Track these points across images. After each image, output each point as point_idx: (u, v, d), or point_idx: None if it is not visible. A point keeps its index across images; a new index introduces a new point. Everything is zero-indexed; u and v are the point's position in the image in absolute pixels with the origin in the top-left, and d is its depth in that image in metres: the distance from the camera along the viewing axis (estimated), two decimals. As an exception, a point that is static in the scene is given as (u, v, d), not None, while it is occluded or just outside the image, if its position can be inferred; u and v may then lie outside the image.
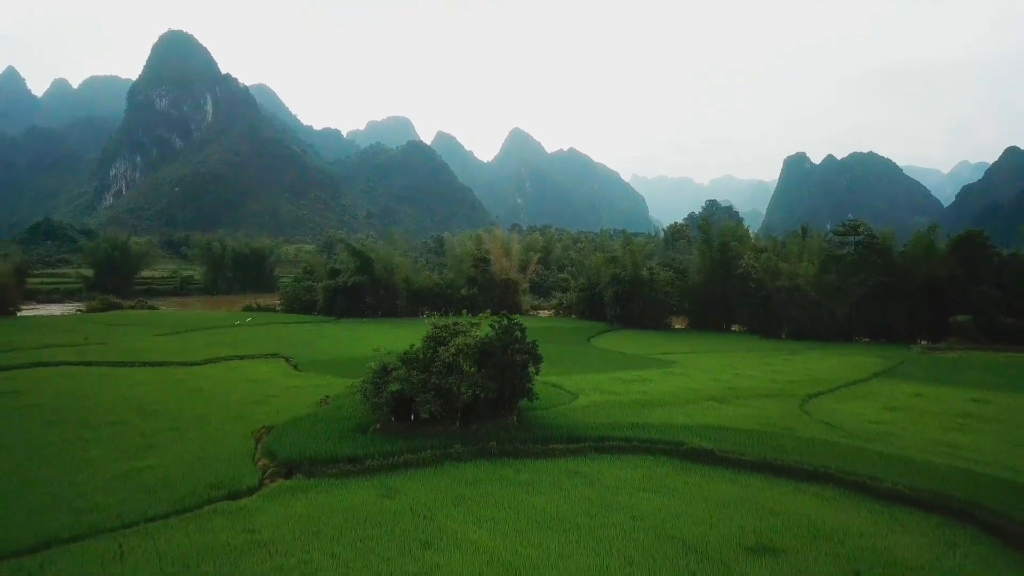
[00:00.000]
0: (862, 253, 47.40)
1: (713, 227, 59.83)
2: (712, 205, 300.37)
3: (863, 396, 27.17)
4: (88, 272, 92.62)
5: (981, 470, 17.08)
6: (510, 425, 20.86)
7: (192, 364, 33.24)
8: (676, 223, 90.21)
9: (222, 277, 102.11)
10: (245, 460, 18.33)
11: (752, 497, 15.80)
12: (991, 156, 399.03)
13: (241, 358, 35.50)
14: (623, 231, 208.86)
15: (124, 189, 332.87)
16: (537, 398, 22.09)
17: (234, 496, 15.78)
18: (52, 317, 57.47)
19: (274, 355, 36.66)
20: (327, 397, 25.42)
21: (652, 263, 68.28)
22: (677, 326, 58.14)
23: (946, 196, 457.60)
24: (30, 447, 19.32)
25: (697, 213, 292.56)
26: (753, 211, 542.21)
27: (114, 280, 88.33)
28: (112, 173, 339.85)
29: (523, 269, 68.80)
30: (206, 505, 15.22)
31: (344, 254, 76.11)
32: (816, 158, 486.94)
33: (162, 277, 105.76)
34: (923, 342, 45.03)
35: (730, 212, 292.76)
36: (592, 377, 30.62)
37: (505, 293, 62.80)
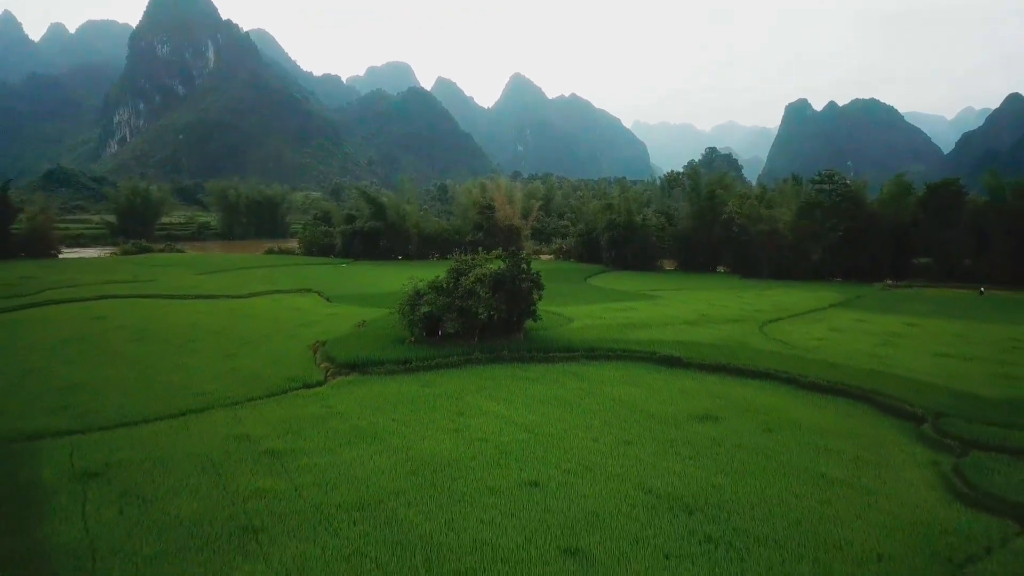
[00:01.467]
0: (836, 201, 51.46)
1: (702, 176, 63.63)
2: (712, 152, 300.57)
3: (815, 321, 31.82)
4: (111, 218, 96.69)
5: (886, 370, 21.77)
6: (518, 340, 25.52)
7: (238, 297, 37.83)
8: (672, 171, 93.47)
9: (237, 223, 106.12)
10: (309, 363, 23.05)
11: (706, 388, 20.50)
12: (996, 103, 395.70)
13: (279, 292, 40.07)
14: (623, 179, 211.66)
15: (128, 136, 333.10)
16: (540, 319, 26.72)
17: (308, 386, 20.51)
18: (92, 259, 61.83)
19: (307, 290, 41.23)
20: (363, 322, 30.02)
21: (648, 210, 72.28)
22: (667, 268, 62.54)
23: (949, 143, 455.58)
24: (134, 356, 23.98)
25: (697, 160, 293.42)
26: (754, 158, 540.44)
27: (136, 226, 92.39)
28: (115, 120, 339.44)
29: (525, 216, 72.76)
30: (289, 392, 19.97)
31: (359, 201, 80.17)
32: (819, 104, 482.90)
33: (180, 223, 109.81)
34: (888, 281, 49.40)
35: (729, 159, 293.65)
36: (586, 307, 35.21)
37: (509, 238, 66.82)
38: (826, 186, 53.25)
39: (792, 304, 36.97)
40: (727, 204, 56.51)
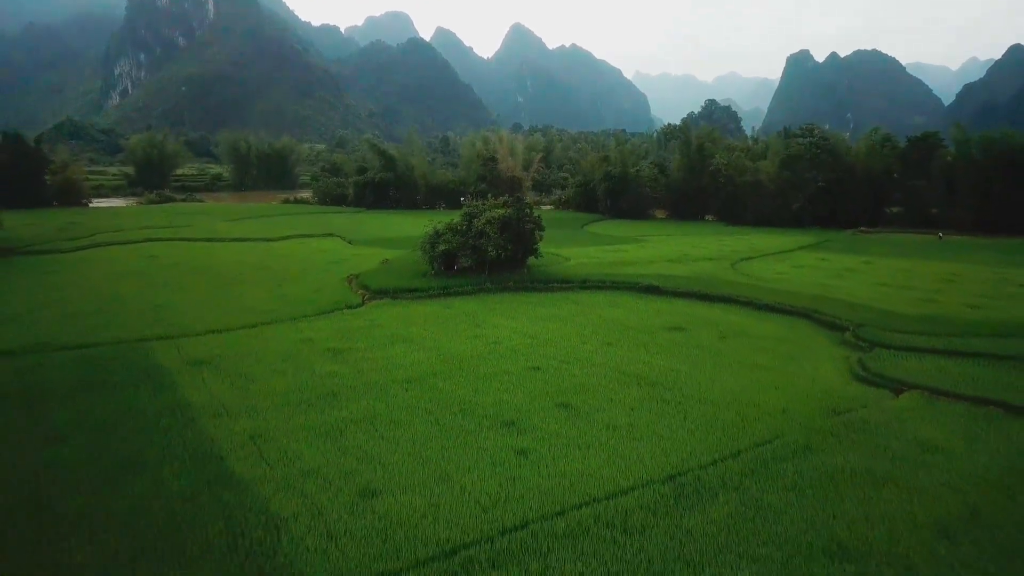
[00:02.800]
0: (815, 153, 54.82)
1: (692, 130, 66.77)
2: (711, 104, 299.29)
3: (782, 260, 35.85)
4: (128, 170, 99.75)
5: (829, 296, 25.86)
6: (522, 273, 29.58)
7: (269, 240, 41.75)
8: (669, 124, 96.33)
9: (248, 174, 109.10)
10: (347, 291, 27.18)
11: (677, 309, 24.63)
12: (1000, 54, 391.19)
13: (305, 236, 43.96)
14: (622, 131, 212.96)
15: (130, 88, 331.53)
16: (541, 256, 30.80)
17: (350, 307, 24.66)
18: (122, 208, 65.45)
19: (330, 235, 45.12)
20: (386, 260, 34.01)
21: (645, 163, 75.56)
22: (659, 216, 66.22)
23: (953, 95, 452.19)
24: (196, 286, 28.04)
25: (696, 113, 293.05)
26: (755, 109, 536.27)
27: (153, 177, 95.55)
28: (116, 72, 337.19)
29: (526, 168, 75.99)
30: (334, 311, 24.11)
31: (366, 153, 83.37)
32: (821, 56, 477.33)
33: (193, 175, 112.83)
34: (862, 228, 53.12)
35: (728, 112, 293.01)
36: (582, 249, 39.17)
37: (511, 189, 70.02)
38: (806, 139, 56.59)
39: (765, 246, 40.92)
40: (715, 157, 59.97)
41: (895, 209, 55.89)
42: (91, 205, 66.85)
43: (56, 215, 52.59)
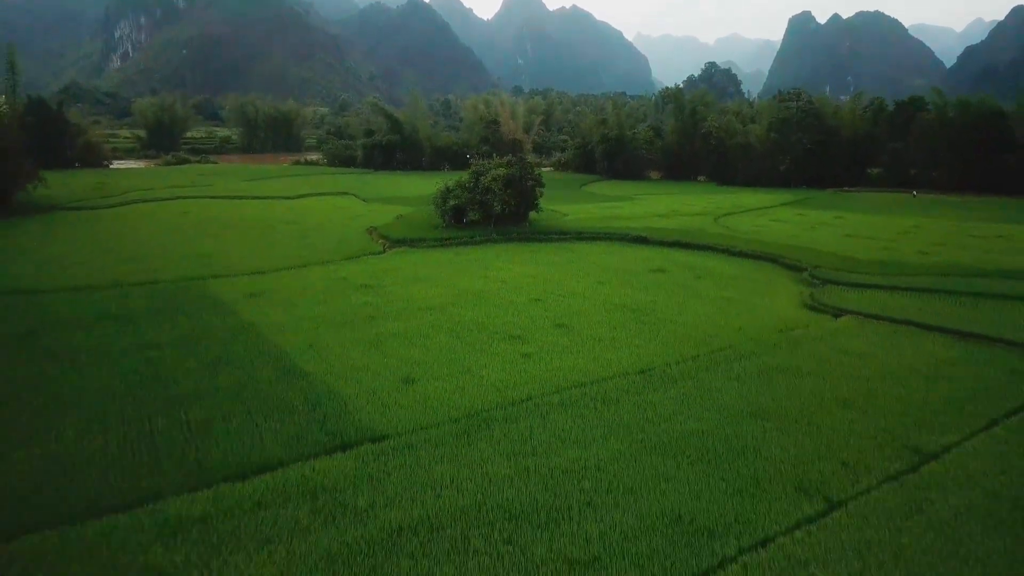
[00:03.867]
0: (801, 116, 57.25)
1: (685, 94, 69.00)
2: (711, 67, 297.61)
3: (763, 215, 38.81)
4: (140, 133, 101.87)
5: (798, 244, 28.89)
6: (524, 226, 32.59)
7: (289, 198, 44.61)
8: (667, 88, 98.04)
9: (255, 137, 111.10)
10: (368, 241, 30.23)
11: (661, 255, 27.71)
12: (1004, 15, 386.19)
13: (322, 195, 46.79)
14: (622, 93, 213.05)
15: (130, 51, 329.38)
16: (542, 210, 33.83)
17: (372, 254, 27.74)
18: (143, 169, 68.03)
19: (344, 193, 47.94)
20: (400, 215, 36.96)
21: (643, 126, 77.88)
22: (654, 177, 68.84)
23: (955, 57, 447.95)
24: (231, 238, 31.03)
25: (696, 76, 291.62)
26: (757, 71, 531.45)
27: (164, 140, 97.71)
28: (116, 35, 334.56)
29: (527, 130, 78.27)
30: (360, 257, 27.19)
31: (371, 116, 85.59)
32: (823, 17, 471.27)
33: (202, 138, 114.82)
34: (844, 188, 55.84)
35: (728, 75, 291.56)
36: (579, 206, 42.08)
37: (513, 152, 72.42)
38: (794, 103, 58.99)
39: (749, 203, 43.81)
40: (706, 120, 62.40)
41: (877, 170, 58.54)
42: (112, 167, 69.38)
43: (83, 176, 55.24)
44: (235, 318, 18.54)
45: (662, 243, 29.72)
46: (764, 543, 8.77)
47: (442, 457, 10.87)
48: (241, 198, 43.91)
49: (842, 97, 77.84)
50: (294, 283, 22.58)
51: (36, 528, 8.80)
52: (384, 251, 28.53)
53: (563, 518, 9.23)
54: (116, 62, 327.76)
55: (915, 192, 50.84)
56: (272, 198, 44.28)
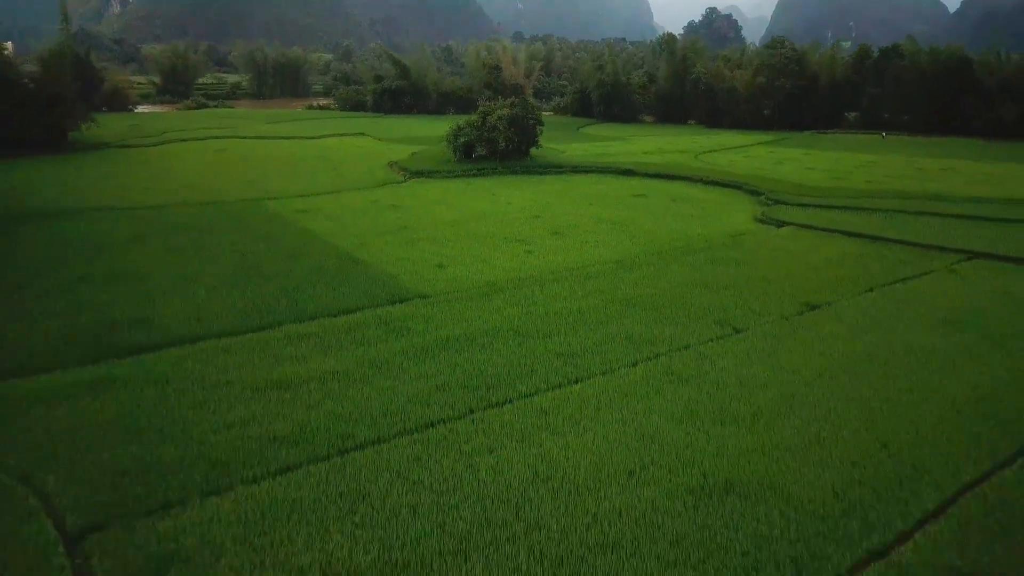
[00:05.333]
0: (784, 63, 60.21)
1: (677, 42, 71.56)
2: (712, 13, 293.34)
3: (739, 152, 42.57)
4: (155, 79, 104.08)
5: (763, 175, 32.85)
6: (526, 161, 36.48)
7: (311, 138, 48.19)
8: (664, 35, 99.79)
9: (265, 83, 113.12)
10: (390, 173, 34.19)
11: (644, 184, 31.69)
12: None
13: (340, 135, 50.34)
14: (622, 39, 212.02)
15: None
16: (541, 147, 37.67)
17: (395, 183, 31.74)
18: (167, 113, 71.14)
19: (361, 134, 51.48)
20: (414, 152, 40.73)
21: (640, 72, 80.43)
22: (647, 121, 71.97)
23: (959, 1, 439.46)
24: (268, 170, 34.90)
25: (697, 21, 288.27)
26: (760, 17, 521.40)
27: (178, 86, 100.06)
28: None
29: (528, 76, 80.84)
30: (384, 185, 31.21)
31: (376, 62, 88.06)
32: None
33: (213, 84, 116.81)
34: (822, 130, 59.21)
35: (729, 20, 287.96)
36: (575, 145, 45.77)
37: (514, 96, 75.53)
38: (778, 49, 61.88)
39: (729, 143, 47.48)
40: (696, 66, 65.33)
41: (854, 114, 61.83)
42: (136, 111, 72.44)
43: (116, 119, 58.48)
44: (294, 227, 22.73)
45: (646, 175, 33.66)
46: (686, 347, 13.16)
47: (470, 306, 15.21)
48: (268, 138, 47.48)
49: (844, 44, 79.86)
50: (335, 204, 26.69)
51: (205, 338, 13.18)
52: (405, 181, 32.52)
53: (553, 335, 13.61)
54: (116, 7, 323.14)
55: (884, 134, 54.31)
56: (296, 138, 47.87)
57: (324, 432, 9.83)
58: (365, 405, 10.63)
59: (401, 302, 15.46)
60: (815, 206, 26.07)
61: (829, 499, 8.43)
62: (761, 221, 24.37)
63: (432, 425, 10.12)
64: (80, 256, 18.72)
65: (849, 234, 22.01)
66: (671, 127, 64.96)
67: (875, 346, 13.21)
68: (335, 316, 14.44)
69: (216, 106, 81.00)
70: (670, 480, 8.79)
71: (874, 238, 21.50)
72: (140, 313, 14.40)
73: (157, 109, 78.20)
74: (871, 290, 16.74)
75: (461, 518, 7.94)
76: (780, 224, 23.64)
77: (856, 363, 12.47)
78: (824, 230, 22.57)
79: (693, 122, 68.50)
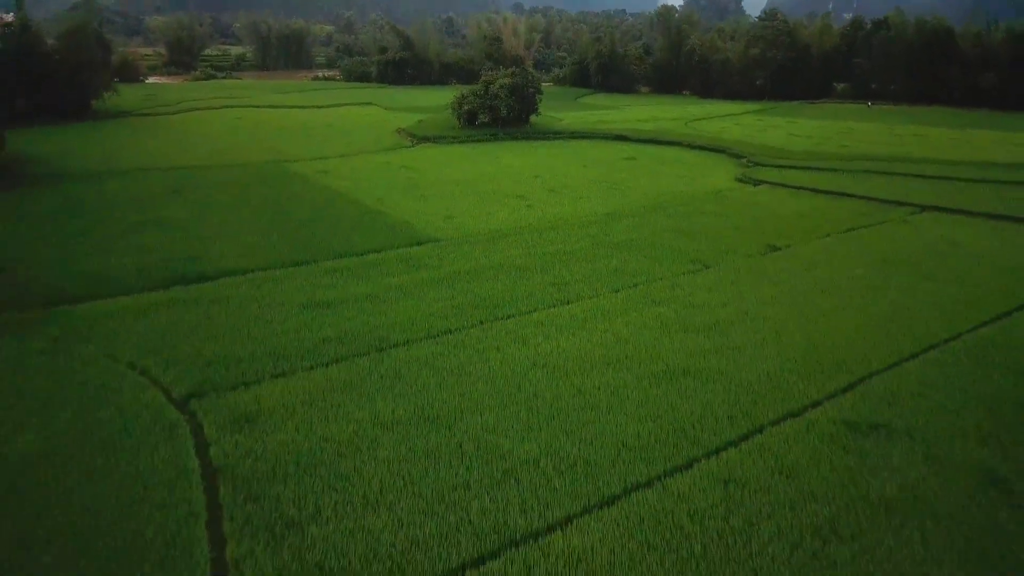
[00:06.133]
0: (776, 35, 61.46)
1: (673, 15, 72.63)
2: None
3: (728, 120, 44.31)
4: (162, 50, 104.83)
5: (748, 141, 34.73)
6: (526, 127, 38.30)
7: (321, 107, 49.82)
8: (663, 5, 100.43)
9: (269, 55, 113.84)
10: (398, 139, 36.05)
11: (636, 149, 33.58)
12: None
13: (349, 105, 51.96)
14: (623, 11, 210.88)
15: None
16: (540, 114, 39.46)
17: (404, 148, 33.65)
18: (179, 84, 72.45)
19: (368, 103, 53.10)
20: (420, 120, 42.49)
21: (637, 44, 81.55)
22: (643, 91, 73.32)
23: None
24: (284, 137, 36.74)
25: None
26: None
27: (184, 58, 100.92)
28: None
29: (528, 47, 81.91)
30: (394, 149, 33.11)
31: (380, 34, 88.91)
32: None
33: (218, 55, 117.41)
34: (811, 100, 60.69)
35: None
36: (573, 114, 47.45)
37: (515, 67, 76.72)
38: (770, 22, 63.08)
39: (719, 111, 49.18)
40: (690, 37, 66.59)
41: (843, 85, 63.28)
42: (147, 82, 73.73)
43: (130, 89, 59.79)
44: (317, 184, 24.75)
45: (638, 140, 35.54)
46: (662, 279, 15.31)
47: (477, 248, 17.32)
48: (280, 107, 49.13)
49: (845, 15, 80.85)
50: (350, 165, 28.66)
51: (253, 271, 15.34)
52: (413, 145, 34.41)
53: (549, 270, 15.76)
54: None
55: (870, 103, 55.90)
56: (306, 107, 49.51)
57: (363, 336, 12.04)
58: (395, 318, 12.83)
59: (417, 244, 17.59)
60: (791, 167, 28.05)
61: (763, 381, 10.66)
62: (740, 181, 26.37)
63: (450, 332, 12.33)
64: (129, 208, 20.78)
65: (817, 191, 24.05)
66: (666, 97, 66.41)
67: (822, 278, 15.38)
68: (362, 255, 16.59)
69: (224, 77, 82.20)
70: (639, 368, 11.01)
71: (839, 194, 23.55)
72: (193, 252, 16.54)
73: (166, 80, 79.39)
74: (828, 236, 18.86)
75: (475, 389, 10.19)
76: (757, 183, 25.65)
77: (803, 290, 14.64)
78: (795, 188, 24.60)
79: (687, 92, 69.89)
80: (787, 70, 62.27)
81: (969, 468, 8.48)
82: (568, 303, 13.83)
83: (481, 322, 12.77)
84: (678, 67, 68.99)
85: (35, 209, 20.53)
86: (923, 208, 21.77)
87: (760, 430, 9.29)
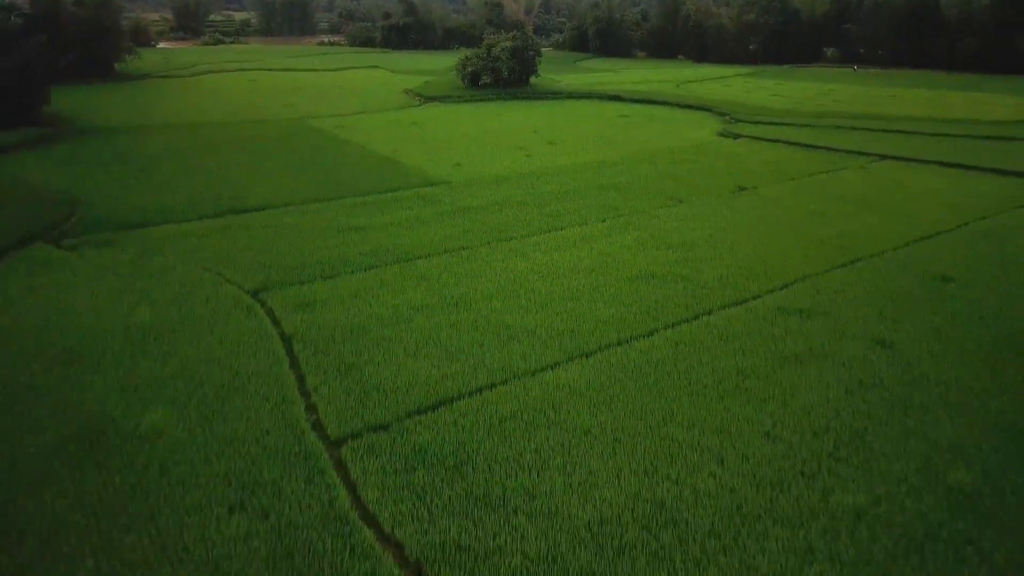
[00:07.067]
0: (768, 1, 62.65)
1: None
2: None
3: (718, 83, 46.07)
4: (168, 16, 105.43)
5: (733, 100, 36.64)
6: (527, 88, 40.17)
7: (330, 70, 51.46)
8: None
9: (274, 21, 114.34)
10: (406, 98, 37.96)
11: (629, 107, 35.52)
12: None
13: (357, 68, 53.57)
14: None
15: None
16: (540, 75, 41.29)
17: (413, 106, 35.60)
18: (190, 49, 73.64)
19: (375, 67, 54.70)
20: (426, 82, 44.27)
21: (635, 10, 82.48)
22: (640, 56, 74.59)
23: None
24: (299, 97, 38.62)
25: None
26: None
27: (191, 23, 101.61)
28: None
29: (528, 13, 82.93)
30: (403, 108, 35.08)
31: (389, 1, 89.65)
32: None
33: (223, 21, 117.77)
34: (800, 64, 62.11)
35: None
36: (571, 76, 49.15)
37: (515, 31, 77.84)
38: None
39: (711, 75, 50.84)
40: (685, 4, 67.75)
41: (832, 49, 64.64)
42: (159, 47, 74.91)
43: (146, 53, 61.19)
44: (336, 138, 26.89)
45: (632, 100, 37.47)
46: (642, 212, 17.62)
47: (483, 189, 19.59)
48: (291, 70, 50.81)
49: None
50: (364, 122, 30.72)
51: (290, 204, 17.65)
52: (420, 104, 36.38)
53: (545, 204, 18.05)
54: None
55: (856, 67, 57.44)
56: (316, 70, 51.20)
57: (393, 251, 14.42)
58: (417, 239, 15.19)
59: (431, 186, 19.86)
60: (768, 123, 30.10)
61: (717, 281, 13.05)
62: (721, 135, 28.47)
63: (463, 248, 14.69)
64: (169, 158, 22.95)
65: (788, 143, 26.20)
66: (661, 61, 67.77)
67: (780, 212, 17.69)
68: (383, 193, 18.88)
69: (232, 42, 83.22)
70: (617, 272, 13.40)
71: (808, 146, 25.71)
72: (236, 191, 18.83)
73: (177, 45, 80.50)
74: (792, 179, 21.11)
75: (485, 286, 12.59)
76: (736, 137, 27.77)
77: (762, 221, 16.95)
78: (769, 140, 26.74)
79: (682, 57, 71.15)
80: (779, 35, 63.51)
81: (865, 336, 10.91)
82: (561, 229, 16.16)
83: (488, 242, 15.12)
84: (674, 32, 70.15)
85: (89, 156, 22.76)
86: (883, 157, 23.95)
87: (710, 312, 11.70)
